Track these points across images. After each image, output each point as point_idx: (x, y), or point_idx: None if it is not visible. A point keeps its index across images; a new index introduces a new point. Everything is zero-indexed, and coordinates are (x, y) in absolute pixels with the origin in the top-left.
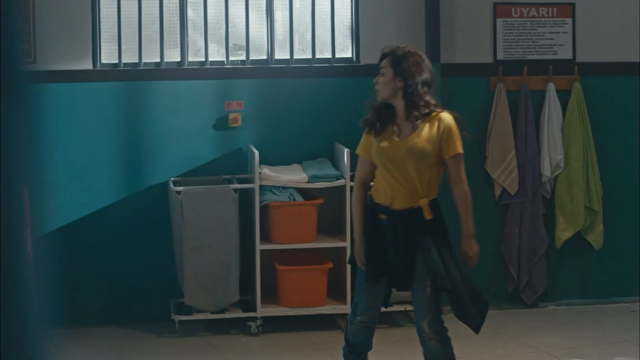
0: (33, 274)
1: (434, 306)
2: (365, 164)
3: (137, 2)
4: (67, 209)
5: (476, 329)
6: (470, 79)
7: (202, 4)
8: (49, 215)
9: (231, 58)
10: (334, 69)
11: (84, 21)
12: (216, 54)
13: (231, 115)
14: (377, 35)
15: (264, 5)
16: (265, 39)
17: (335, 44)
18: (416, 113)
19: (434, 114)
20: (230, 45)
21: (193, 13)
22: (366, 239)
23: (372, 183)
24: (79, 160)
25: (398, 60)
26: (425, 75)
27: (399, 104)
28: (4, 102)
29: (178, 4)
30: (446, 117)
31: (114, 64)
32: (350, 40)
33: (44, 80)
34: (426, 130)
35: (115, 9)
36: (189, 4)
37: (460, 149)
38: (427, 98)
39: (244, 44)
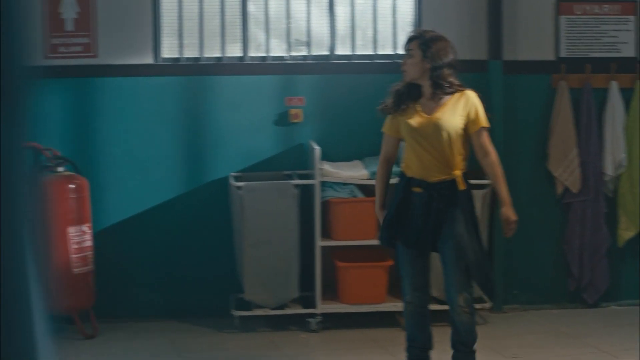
0: (34, 272)
1: (467, 282)
2: (391, 142)
3: None
4: (128, 203)
5: (492, 297)
6: (533, 76)
7: None
8: (110, 209)
9: (292, 53)
10: (396, 64)
11: (145, 16)
12: (277, 49)
13: (292, 111)
14: (439, 31)
15: (326, 0)
16: (327, 34)
17: (397, 40)
18: (440, 92)
19: (458, 92)
20: (291, 40)
21: (254, 8)
22: (395, 211)
23: (397, 163)
24: (140, 154)
25: (427, 44)
26: (451, 57)
27: (426, 84)
28: (3, 99)
29: None
30: (471, 94)
31: (175, 59)
32: None
33: (106, 74)
34: (451, 106)
35: (177, 4)
36: None
37: (485, 122)
38: (452, 79)
39: (306, 39)
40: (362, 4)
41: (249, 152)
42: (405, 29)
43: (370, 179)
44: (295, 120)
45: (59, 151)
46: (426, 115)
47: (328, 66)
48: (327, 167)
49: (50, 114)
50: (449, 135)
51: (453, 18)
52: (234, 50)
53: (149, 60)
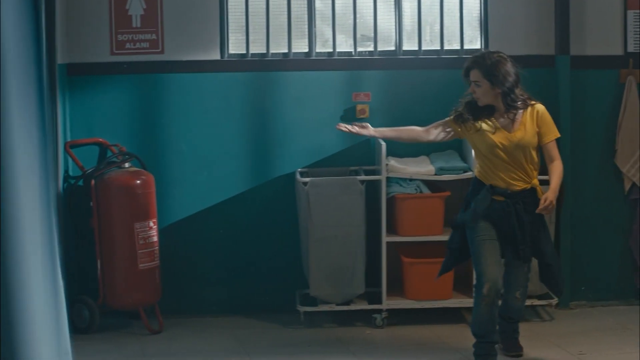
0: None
1: (527, 278)
2: (445, 128)
3: None
4: (194, 199)
5: (561, 294)
6: (600, 71)
7: None
8: (176, 204)
9: (359, 49)
10: (463, 60)
11: (212, 12)
12: (344, 45)
13: (359, 107)
14: (506, 27)
15: None
16: (394, 30)
17: (464, 35)
18: (514, 110)
19: (529, 106)
20: (358, 36)
21: (321, 4)
22: (479, 212)
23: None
24: (206, 150)
25: (491, 72)
26: (514, 73)
27: (499, 105)
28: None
29: None
30: (541, 107)
31: (242, 55)
32: (479, 32)
33: (172, 70)
34: (528, 123)
35: (243, 0)
36: None
37: (557, 132)
38: (522, 95)
39: (372, 34)
40: None
41: (315, 148)
42: (472, 24)
43: (436, 174)
44: (362, 116)
45: (126, 147)
46: (507, 133)
47: (395, 62)
48: (393, 162)
49: (117, 110)
50: (529, 152)
51: (520, 13)
52: (301, 46)
53: (215, 56)
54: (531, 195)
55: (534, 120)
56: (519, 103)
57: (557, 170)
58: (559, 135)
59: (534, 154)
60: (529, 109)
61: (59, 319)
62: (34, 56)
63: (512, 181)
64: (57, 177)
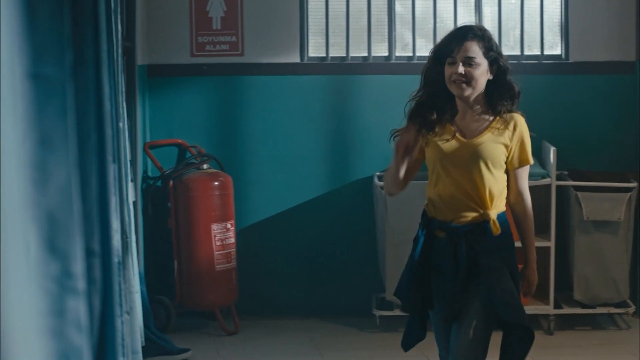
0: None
1: (481, 348)
2: (409, 163)
3: None
4: (271, 201)
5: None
6: None
7: None
8: (254, 206)
9: None
10: (543, 66)
11: (292, 15)
12: (424, 49)
13: None
14: (587, 33)
15: (473, 0)
16: None
17: (544, 41)
18: (490, 112)
19: (506, 113)
20: (437, 40)
21: (401, 8)
22: (415, 262)
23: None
24: (285, 152)
25: (490, 45)
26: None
27: (470, 102)
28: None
29: None
30: (521, 119)
31: (322, 58)
32: (559, 37)
33: (252, 72)
34: (496, 130)
35: (324, 3)
36: None
37: (532, 159)
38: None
39: None
40: (509, 4)
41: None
42: (553, 30)
43: None
44: None
45: (204, 148)
46: (463, 139)
47: None
48: None
49: (196, 111)
50: (486, 166)
51: (601, 18)
52: (380, 50)
53: (295, 59)
54: (482, 232)
55: (507, 131)
56: (506, 105)
57: (528, 223)
58: (531, 163)
59: (497, 174)
60: (505, 116)
61: (126, 319)
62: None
63: (457, 210)
64: (136, 177)
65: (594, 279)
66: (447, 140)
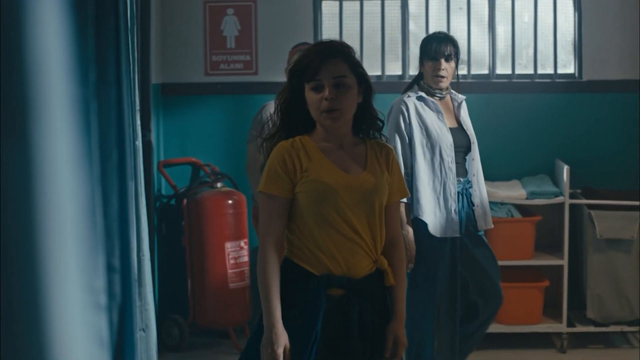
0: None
1: None
2: (283, 210)
3: (359, 15)
4: None
5: None
6: None
7: (424, 18)
8: None
9: None
10: (556, 84)
11: (307, 34)
12: None
13: None
14: (601, 51)
15: (486, 19)
16: (487, 54)
17: (558, 60)
18: (360, 138)
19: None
20: None
21: (415, 26)
22: (311, 330)
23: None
24: None
25: (357, 63)
26: None
27: (344, 125)
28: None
29: (400, 18)
30: (390, 147)
31: None
32: (572, 56)
33: (266, 91)
34: (375, 161)
35: (337, 22)
36: (410, 17)
37: (407, 191)
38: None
39: (466, 58)
40: (523, 23)
41: None
42: (566, 48)
43: (527, 198)
44: None
45: (218, 167)
46: (344, 173)
47: (488, 85)
48: (488, 188)
49: (210, 130)
50: (380, 205)
51: (614, 37)
52: (394, 69)
53: None
54: (378, 283)
55: (384, 161)
56: (376, 131)
57: (402, 269)
58: (408, 195)
59: (381, 214)
60: (374, 144)
61: (142, 336)
62: (114, 77)
63: (353, 259)
64: (150, 196)
65: (607, 298)
66: (323, 173)
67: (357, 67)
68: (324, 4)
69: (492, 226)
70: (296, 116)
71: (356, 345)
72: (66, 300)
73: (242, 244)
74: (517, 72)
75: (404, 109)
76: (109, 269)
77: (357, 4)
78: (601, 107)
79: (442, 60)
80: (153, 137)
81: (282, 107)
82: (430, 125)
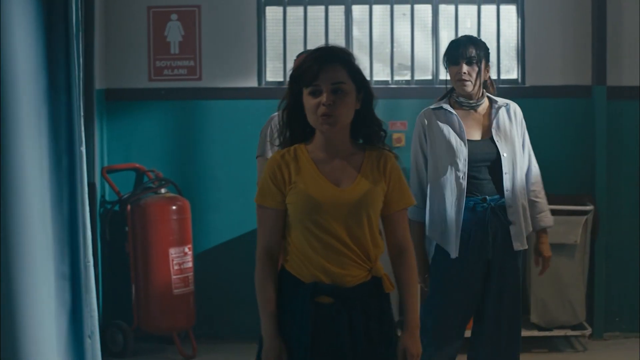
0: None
1: None
2: (274, 221)
3: (302, 21)
4: (229, 225)
5: None
6: (637, 102)
7: (367, 24)
8: (211, 230)
9: (396, 78)
10: (499, 90)
11: (250, 39)
12: (381, 74)
13: (395, 135)
14: (544, 57)
15: (430, 25)
16: (431, 59)
17: (501, 65)
18: (358, 146)
19: (377, 149)
20: (395, 65)
21: (358, 32)
22: (302, 342)
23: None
24: (242, 176)
25: (357, 70)
26: None
27: (344, 133)
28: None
29: (343, 24)
30: (392, 157)
31: (279, 82)
32: (516, 62)
33: (209, 97)
34: (371, 175)
35: (281, 28)
36: (354, 23)
37: (412, 198)
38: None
39: (409, 63)
40: (466, 29)
41: None
42: (509, 54)
43: None
44: (398, 145)
45: (162, 172)
46: (332, 186)
47: (432, 91)
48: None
49: (154, 135)
50: (369, 217)
51: (557, 43)
52: None
53: (252, 83)
54: (374, 291)
55: (380, 169)
56: (375, 140)
57: (411, 276)
58: (414, 203)
59: (376, 222)
60: (372, 153)
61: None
62: (63, 83)
63: (341, 269)
64: (93, 202)
65: (550, 302)
66: (312, 184)
67: (356, 74)
68: (268, 9)
69: (525, 247)
70: (296, 123)
71: (348, 352)
72: (21, 307)
73: (186, 249)
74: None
75: (420, 122)
76: (59, 275)
77: (301, 9)
78: (544, 113)
79: (463, 64)
80: (97, 143)
81: (282, 114)
82: (440, 139)
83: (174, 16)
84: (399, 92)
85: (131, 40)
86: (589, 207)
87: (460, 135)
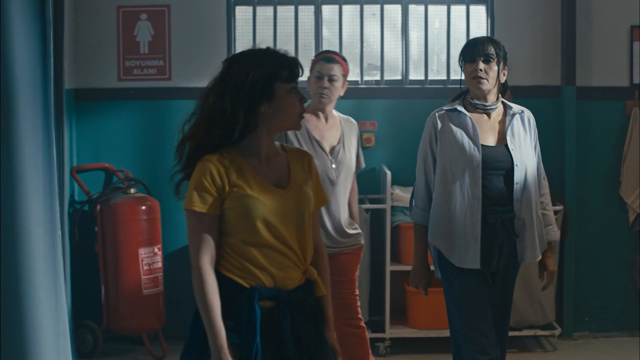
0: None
1: None
2: (216, 227)
3: (272, 21)
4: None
5: None
6: (606, 102)
7: (337, 24)
8: (181, 230)
9: (365, 78)
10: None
11: (220, 39)
12: (351, 74)
13: (365, 135)
14: (512, 57)
15: (400, 25)
16: (400, 60)
17: None
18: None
19: (294, 148)
20: (364, 65)
21: (328, 32)
22: (250, 345)
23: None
24: None
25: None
26: None
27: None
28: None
29: (313, 23)
30: (310, 153)
31: None
32: None
33: (179, 97)
34: (298, 170)
35: (251, 27)
36: (324, 23)
37: (327, 199)
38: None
39: (379, 64)
40: (435, 29)
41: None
42: None
43: None
44: (368, 145)
45: (132, 172)
46: (274, 188)
47: (401, 91)
48: (398, 191)
49: (124, 135)
50: (309, 215)
51: (526, 43)
52: (307, 73)
53: None
54: (308, 294)
55: (307, 172)
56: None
57: (327, 274)
58: (328, 203)
59: (310, 222)
60: (292, 152)
61: (61, 344)
62: (41, 81)
63: (283, 272)
64: (63, 202)
65: (520, 302)
66: (253, 189)
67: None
68: (237, 9)
69: (535, 259)
70: (230, 125)
71: (292, 356)
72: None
73: (156, 249)
74: (430, 77)
75: (431, 123)
76: None
77: (271, 9)
78: None
79: (480, 61)
80: (66, 143)
81: (227, 112)
82: (453, 143)
83: (143, 16)
84: (368, 92)
85: (100, 39)
86: (559, 207)
87: (474, 140)
